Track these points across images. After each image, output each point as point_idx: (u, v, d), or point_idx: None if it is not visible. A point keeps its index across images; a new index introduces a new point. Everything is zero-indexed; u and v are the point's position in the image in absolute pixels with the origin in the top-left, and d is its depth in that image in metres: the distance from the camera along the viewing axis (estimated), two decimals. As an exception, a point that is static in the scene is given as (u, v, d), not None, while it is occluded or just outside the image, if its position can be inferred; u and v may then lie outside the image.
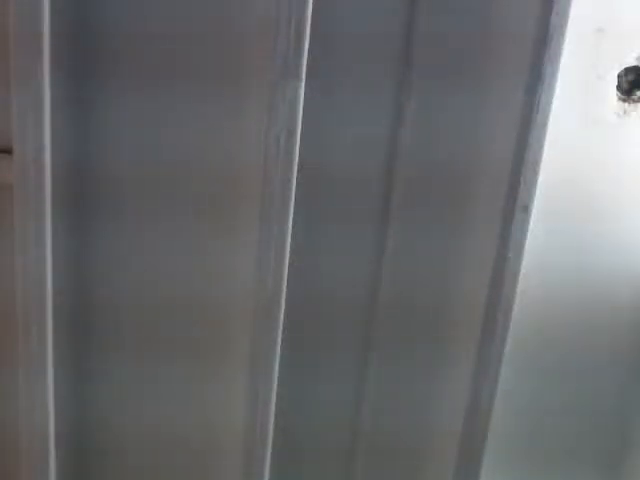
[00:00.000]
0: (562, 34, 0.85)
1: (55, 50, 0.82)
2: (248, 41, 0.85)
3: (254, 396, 0.95)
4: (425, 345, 1.01)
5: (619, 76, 0.95)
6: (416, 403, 1.04)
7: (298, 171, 0.87)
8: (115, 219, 0.93)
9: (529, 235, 0.92)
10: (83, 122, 0.88)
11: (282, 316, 0.92)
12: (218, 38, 0.85)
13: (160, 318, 0.97)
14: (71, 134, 0.88)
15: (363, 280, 0.99)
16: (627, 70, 0.94)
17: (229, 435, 1.00)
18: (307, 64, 0.83)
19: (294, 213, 0.89)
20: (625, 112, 0.97)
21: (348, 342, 1.02)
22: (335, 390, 1.04)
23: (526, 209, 0.91)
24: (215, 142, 0.89)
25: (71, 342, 0.96)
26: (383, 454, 1.08)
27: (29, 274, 0.87)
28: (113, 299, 0.96)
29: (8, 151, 0.85)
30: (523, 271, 0.94)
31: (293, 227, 0.89)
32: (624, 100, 0.96)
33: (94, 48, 0.85)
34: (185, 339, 0.98)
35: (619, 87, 0.95)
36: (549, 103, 0.87)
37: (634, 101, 0.96)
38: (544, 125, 0.88)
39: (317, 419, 1.05)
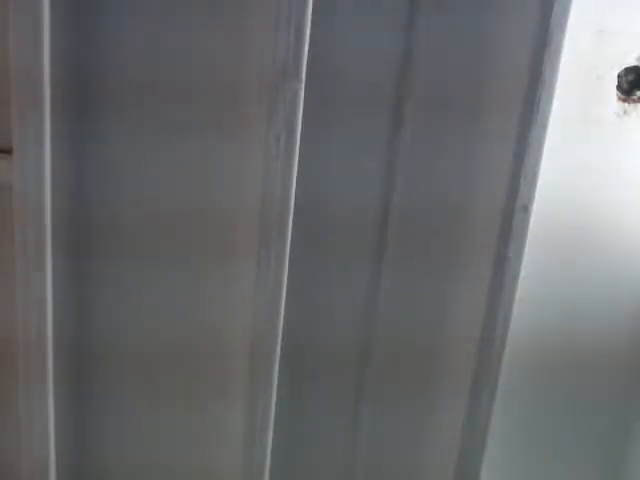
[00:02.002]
0: (562, 34, 0.85)
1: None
2: (248, 42, 0.85)
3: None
4: (425, 351, 1.01)
5: (619, 76, 0.95)
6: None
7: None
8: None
9: (529, 235, 0.92)
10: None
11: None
12: (218, 38, 0.85)
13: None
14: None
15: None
16: (627, 70, 0.94)
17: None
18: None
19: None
20: (625, 112, 0.97)
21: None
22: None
23: (526, 209, 0.91)
24: (215, 154, 0.89)
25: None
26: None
27: (29, 274, 0.87)
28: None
29: (8, 151, 0.85)
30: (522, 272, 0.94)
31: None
32: (624, 100, 0.96)
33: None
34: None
35: (619, 87, 0.95)
36: (549, 103, 0.87)
37: (634, 101, 0.96)
38: (544, 125, 0.88)
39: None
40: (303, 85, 0.83)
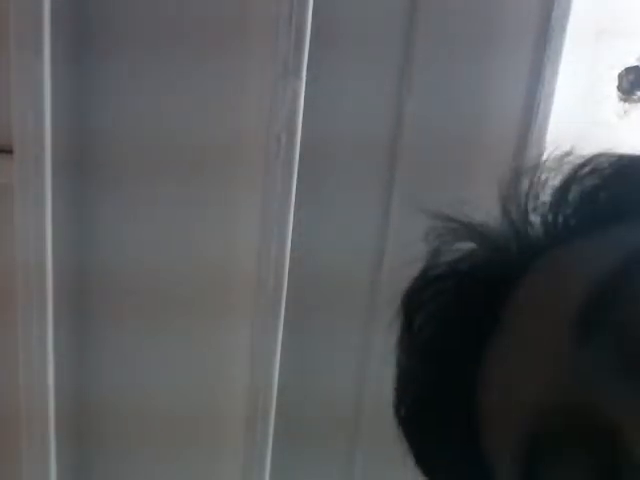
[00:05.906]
0: (562, 34, 0.85)
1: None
2: (248, 41, 0.85)
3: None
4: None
5: (619, 76, 0.95)
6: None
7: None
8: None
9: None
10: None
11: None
12: (218, 37, 0.85)
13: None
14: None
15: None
16: (627, 70, 0.94)
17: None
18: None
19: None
20: (625, 112, 0.97)
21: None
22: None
23: (526, 209, 0.91)
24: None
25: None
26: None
27: (29, 273, 0.87)
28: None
29: (8, 151, 0.85)
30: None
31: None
32: (624, 100, 0.96)
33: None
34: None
35: (619, 87, 0.95)
36: (549, 103, 0.87)
37: (634, 101, 0.96)
38: (544, 125, 0.88)
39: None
40: (303, 84, 0.83)
